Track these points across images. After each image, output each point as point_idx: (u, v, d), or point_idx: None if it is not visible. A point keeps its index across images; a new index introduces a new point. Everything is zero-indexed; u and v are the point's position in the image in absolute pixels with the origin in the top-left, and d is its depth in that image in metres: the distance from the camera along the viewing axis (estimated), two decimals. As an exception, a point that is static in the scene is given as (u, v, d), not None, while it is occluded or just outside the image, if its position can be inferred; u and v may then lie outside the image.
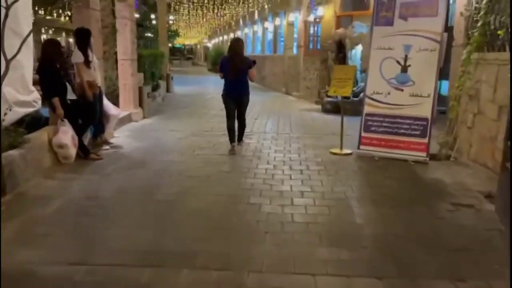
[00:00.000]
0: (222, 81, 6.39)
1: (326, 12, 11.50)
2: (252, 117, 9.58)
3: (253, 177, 5.02)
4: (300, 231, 3.50)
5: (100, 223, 3.63)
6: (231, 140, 6.31)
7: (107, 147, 6.30)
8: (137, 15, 19.24)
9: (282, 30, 16.10)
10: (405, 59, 5.83)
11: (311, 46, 13.29)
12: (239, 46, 6.35)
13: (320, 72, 11.92)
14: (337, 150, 6.27)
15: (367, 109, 6.13)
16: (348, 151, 6.22)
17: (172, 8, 19.38)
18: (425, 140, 5.75)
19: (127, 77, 8.54)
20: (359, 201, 4.25)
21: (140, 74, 9.43)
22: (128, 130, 7.78)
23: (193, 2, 18.65)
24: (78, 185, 4.62)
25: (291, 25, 14.81)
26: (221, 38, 35.04)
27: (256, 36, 21.65)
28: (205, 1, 18.40)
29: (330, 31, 11.50)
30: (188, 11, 20.89)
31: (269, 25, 18.39)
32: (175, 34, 24.71)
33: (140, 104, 9.11)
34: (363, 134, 6.13)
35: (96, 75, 6.09)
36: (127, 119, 8.41)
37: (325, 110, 10.45)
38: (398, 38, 5.86)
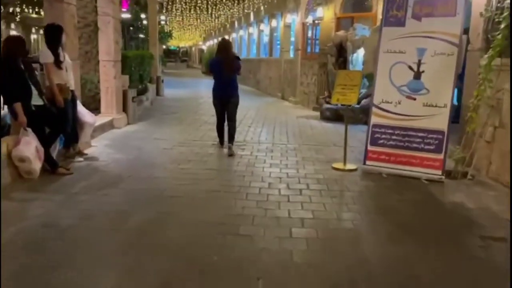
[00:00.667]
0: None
1: (326, 14, 10.85)
2: (245, 125, 8.89)
3: (245, 198, 4.32)
4: (300, 276, 2.80)
5: (53, 263, 2.91)
6: (221, 141, 6.65)
7: (81, 159, 5.57)
8: (128, 15, 18.60)
9: (279, 33, 15.46)
10: (419, 64, 5.16)
11: (309, 50, 12.64)
12: (229, 47, 6.47)
13: (318, 77, 11.26)
14: (340, 165, 5.58)
15: (374, 119, 5.45)
16: (353, 167, 5.53)
17: (164, 8, 18.71)
18: (441, 156, 5.08)
19: (110, 79, 7.81)
20: (370, 233, 3.55)
21: (125, 77, 8.71)
22: (108, 138, 7.05)
23: (185, 2, 17.96)
24: (37, 208, 3.89)
25: (288, 27, 14.15)
26: (215, 40, 34.35)
27: (252, 38, 20.99)
28: (198, 1, 17.74)
29: (329, 33, 10.85)
30: (181, 11, 20.22)
31: (264, 27, 17.72)
32: (168, 35, 23.97)
33: (124, 109, 8.38)
34: (370, 148, 5.45)
35: (69, 77, 5.37)
36: (109, 125, 7.68)
37: (324, 118, 9.79)
38: (410, 40, 5.19)
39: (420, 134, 5.17)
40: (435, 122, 5.10)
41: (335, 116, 9.61)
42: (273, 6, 15.65)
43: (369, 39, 9.32)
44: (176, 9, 19.43)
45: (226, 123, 6.56)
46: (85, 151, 5.88)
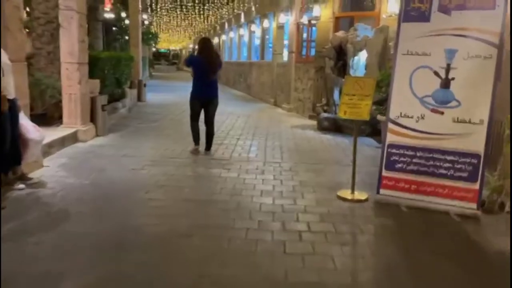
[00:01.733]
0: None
1: (323, 13, 9.81)
2: (233, 136, 7.80)
3: (226, 248, 3.21)
4: None
5: None
6: (196, 141, 6.33)
7: (22, 185, 4.42)
8: (112, 15, 17.43)
9: (271, 34, 14.39)
10: (447, 69, 4.11)
11: (304, 52, 11.59)
12: (211, 46, 6.32)
13: (315, 82, 10.20)
14: (347, 194, 4.50)
15: (390, 137, 4.38)
16: (363, 196, 4.46)
17: (149, 7, 17.61)
18: (476, 186, 4.03)
19: (73, 85, 6.67)
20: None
21: (94, 81, 7.56)
22: (68, 155, 5.89)
23: (171, 2, 16.88)
24: None
25: (281, 28, 13.09)
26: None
27: (242, 40, 19.90)
28: (184, 0, 16.67)
29: (327, 34, 9.81)
30: (167, 11, 19.13)
31: (256, 29, 16.65)
32: (154, 36, 22.77)
33: (92, 119, 7.23)
34: (385, 173, 4.38)
35: (7, 83, 4.23)
36: (71, 138, 6.52)
37: (322, 128, 8.72)
38: (437, 39, 4.14)
39: (449, 158, 4.11)
40: (468, 143, 4.05)
41: (334, 126, 8.56)
42: (265, 6, 14.60)
43: (372, 41, 8.29)
44: (161, 9, 18.33)
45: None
46: (31, 175, 4.73)
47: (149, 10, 18.04)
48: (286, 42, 13.20)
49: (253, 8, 16.51)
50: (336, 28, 9.72)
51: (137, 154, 6.11)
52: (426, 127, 4.19)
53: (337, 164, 6.02)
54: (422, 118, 4.21)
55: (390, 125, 4.37)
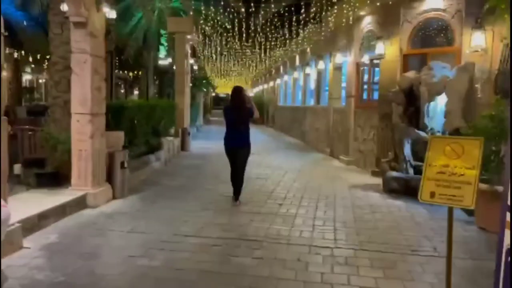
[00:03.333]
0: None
1: (388, 50, 8.29)
2: (275, 200, 6.32)
3: None
4: None
5: None
6: (235, 194, 6.16)
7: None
8: (167, 61, 17.01)
9: (327, 76, 13.02)
10: None
11: (365, 96, 10.03)
12: (241, 94, 6.13)
13: (379, 132, 8.54)
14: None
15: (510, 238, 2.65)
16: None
17: (200, 52, 17.16)
18: None
19: (85, 139, 5.64)
20: None
21: (116, 134, 6.52)
22: (61, 230, 4.69)
23: (222, 46, 16.23)
24: None
25: (338, 69, 11.67)
26: (261, 87, 32.72)
27: (297, 84, 18.71)
28: (236, 46, 15.95)
29: (393, 75, 8.23)
30: (220, 54, 18.58)
31: (311, 71, 15.38)
32: (207, 82, 22.26)
33: (110, 179, 6.13)
34: (506, 299, 2.61)
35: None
36: (78, 205, 5.40)
37: (390, 190, 6.96)
38: None
39: None
40: None
41: (405, 189, 6.78)
42: (320, 46, 13.35)
43: (454, 82, 6.58)
44: (215, 54, 17.79)
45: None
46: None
47: (200, 54, 17.54)
48: (344, 85, 11.73)
49: (308, 50, 15.33)
50: (405, 68, 8.12)
51: (147, 230, 4.79)
52: None
53: (415, 252, 4.28)
54: None
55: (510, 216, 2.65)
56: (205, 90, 28.63)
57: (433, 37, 8.10)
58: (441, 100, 6.94)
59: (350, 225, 5.18)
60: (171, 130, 11.53)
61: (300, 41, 15.20)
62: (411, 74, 7.40)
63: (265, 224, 5.10)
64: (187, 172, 8.69)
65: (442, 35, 7.82)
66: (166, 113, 10.06)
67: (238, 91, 6.15)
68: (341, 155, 10.63)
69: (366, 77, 10.02)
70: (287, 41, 14.95)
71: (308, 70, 15.57)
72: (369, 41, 9.58)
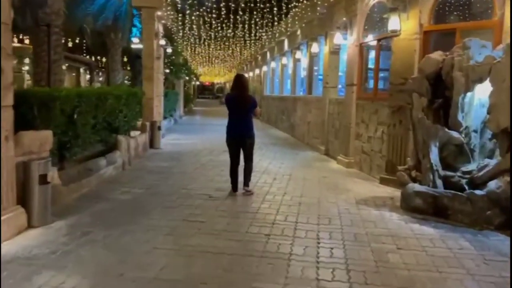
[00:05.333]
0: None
1: (405, 26, 6.52)
2: (261, 225, 4.56)
3: None
4: None
5: None
6: (233, 187, 6.02)
7: None
8: (140, 45, 14.99)
9: (321, 62, 11.23)
10: None
11: (370, 85, 8.29)
12: (244, 83, 6.09)
13: (390, 130, 6.83)
14: None
15: None
16: None
17: (178, 36, 15.14)
18: None
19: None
20: None
21: (35, 135, 4.64)
22: None
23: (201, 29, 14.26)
24: None
25: (335, 53, 9.86)
26: (247, 75, 30.75)
27: (286, 71, 16.87)
28: (219, 32, 13.99)
29: (410, 58, 6.50)
30: (200, 39, 16.60)
31: (302, 57, 13.55)
32: (184, 67, 20.17)
33: (24, 199, 4.27)
34: None
35: None
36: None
37: (412, 209, 5.25)
38: None
39: None
40: None
41: (434, 207, 5.09)
42: (313, 27, 11.51)
43: (502, 66, 4.85)
44: (190, 38, 15.78)
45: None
46: None
47: (177, 37, 15.53)
48: (342, 72, 9.97)
49: (298, 31, 13.47)
50: (425, 49, 6.39)
51: (69, 281, 2.98)
52: None
53: None
54: None
55: None
56: (187, 78, 26.58)
57: (463, 9, 6.36)
58: (482, 90, 5.22)
59: (371, 278, 3.44)
60: (136, 124, 9.66)
61: (290, 22, 13.32)
62: (438, 55, 5.65)
63: (243, 282, 3.32)
64: (149, 179, 6.84)
65: (477, 5, 6.08)
66: (127, 103, 8.14)
67: (240, 79, 6.06)
68: (339, 155, 8.90)
69: (372, 62, 8.26)
70: (275, 21, 13.06)
71: (298, 54, 13.72)
72: (377, 16, 7.80)
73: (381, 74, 8.07)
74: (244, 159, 6.04)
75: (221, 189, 6.27)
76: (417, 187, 5.32)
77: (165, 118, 14.71)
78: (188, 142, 11.82)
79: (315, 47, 11.15)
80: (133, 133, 9.64)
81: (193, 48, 18.94)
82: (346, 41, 9.06)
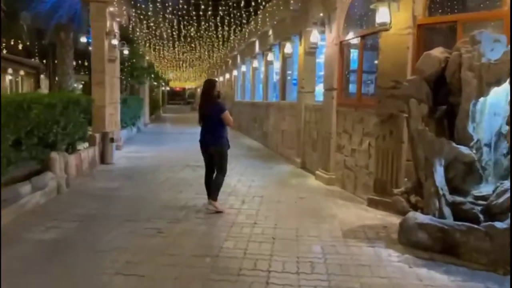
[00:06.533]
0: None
1: (395, 19, 5.48)
2: (223, 276, 3.31)
3: None
4: None
5: None
6: (208, 194, 5.61)
7: None
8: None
9: (296, 64, 10.16)
10: None
11: (353, 90, 7.23)
12: (210, 89, 5.64)
13: (379, 142, 5.75)
14: None
15: None
16: None
17: (138, 37, 13.80)
18: None
19: None
20: None
21: None
22: None
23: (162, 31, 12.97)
24: None
25: (311, 53, 8.78)
26: (219, 79, 29.50)
27: (257, 75, 15.75)
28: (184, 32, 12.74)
29: (401, 57, 5.45)
30: (163, 43, 15.30)
31: (273, 58, 12.45)
32: (150, 72, 18.74)
33: None
34: None
35: None
36: None
37: (412, 244, 4.15)
38: None
39: None
40: None
41: (442, 244, 4.01)
42: (286, 26, 10.44)
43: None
44: (152, 39, 14.43)
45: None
46: None
47: (138, 38, 14.16)
48: (319, 74, 8.91)
49: (270, 32, 12.36)
50: (420, 45, 5.36)
51: None
52: None
53: None
54: None
55: None
56: (155, 83, 25.12)
57: (463, -2, 5.39)
58: (497, 95, 4.21)
59: None
60: (86, 136, 8.29)
61: (260, 20, 12.20)
62: (439, 52, 4.62)
63: None
64: (88, 207, 5.50)
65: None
66: (65, 113, 6.78)
67: (204, 84, 5.80)
68: (318, 169, 7.78)
69: (355, 63, 7.20)
70: (243, 19, 11.90)
71: (270, 57, 12.60)
72: (361, 10, 6.76)
73: (365, 77, 7.03)
74: (211, 173, 5.67)
75: (175, 220, 5.04)
76: (420, 217, 4.22)
77: (124, 127, 13.29)
78: (147, 155, 10.47)
79: (288, 48, 10.05)
80: (83, 146, 8.28)
81: (157, 50, 17.54)
82: (324, 40, 7.99)
